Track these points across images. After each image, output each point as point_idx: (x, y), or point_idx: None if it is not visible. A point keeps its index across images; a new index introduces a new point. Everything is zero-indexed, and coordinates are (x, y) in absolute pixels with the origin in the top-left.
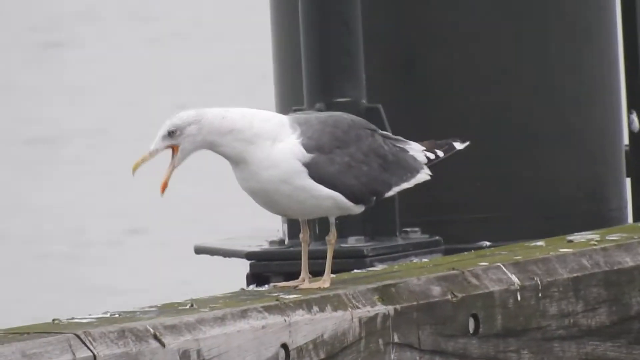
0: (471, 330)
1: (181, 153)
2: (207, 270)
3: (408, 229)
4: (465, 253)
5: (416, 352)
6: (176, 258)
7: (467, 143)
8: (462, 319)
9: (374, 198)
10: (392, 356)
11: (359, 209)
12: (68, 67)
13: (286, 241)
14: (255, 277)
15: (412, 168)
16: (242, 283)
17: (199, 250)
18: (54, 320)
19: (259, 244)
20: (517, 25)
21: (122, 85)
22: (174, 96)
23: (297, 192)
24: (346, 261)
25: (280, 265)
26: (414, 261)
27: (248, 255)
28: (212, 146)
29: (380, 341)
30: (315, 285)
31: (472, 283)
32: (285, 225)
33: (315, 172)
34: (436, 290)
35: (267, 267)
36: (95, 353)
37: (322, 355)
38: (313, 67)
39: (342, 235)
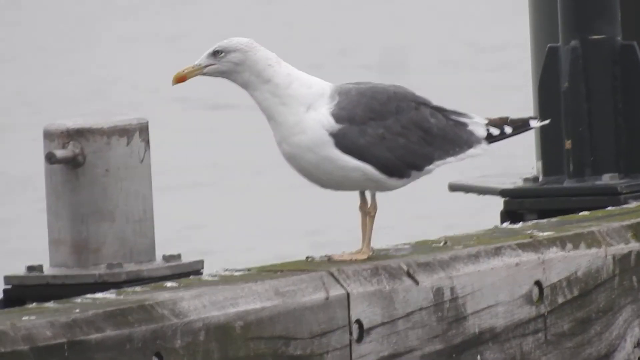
0: None
1: (215, 70)
2: (462, 208)
3: None
4: None
5: None
6: (430, 195)
7: (546, 121)
8: None
9: (412, 171)
10: None
11: (394, 182)
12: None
13: (540, 178)
14: (509, 215)
15: (462, 142)
16: (495, 220)
17: (454, 188)
18: (307, 257)
19: (513, 181)
20: None
21: None
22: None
23: (323, 162)
24: (600, 198)
25: (534, 202)
26: None
27: (502, 193)
28: (247, 86)
29: (634, 278)
30: (351, 257)
31: None
32: (540, 163)
33: (342, 143)
34: None
35: (521, 205)
36: (349, 291)
37: (576, 293)
38: (568, 4)
39: (596, 172)
